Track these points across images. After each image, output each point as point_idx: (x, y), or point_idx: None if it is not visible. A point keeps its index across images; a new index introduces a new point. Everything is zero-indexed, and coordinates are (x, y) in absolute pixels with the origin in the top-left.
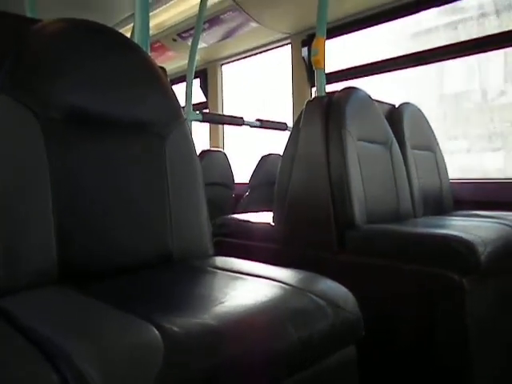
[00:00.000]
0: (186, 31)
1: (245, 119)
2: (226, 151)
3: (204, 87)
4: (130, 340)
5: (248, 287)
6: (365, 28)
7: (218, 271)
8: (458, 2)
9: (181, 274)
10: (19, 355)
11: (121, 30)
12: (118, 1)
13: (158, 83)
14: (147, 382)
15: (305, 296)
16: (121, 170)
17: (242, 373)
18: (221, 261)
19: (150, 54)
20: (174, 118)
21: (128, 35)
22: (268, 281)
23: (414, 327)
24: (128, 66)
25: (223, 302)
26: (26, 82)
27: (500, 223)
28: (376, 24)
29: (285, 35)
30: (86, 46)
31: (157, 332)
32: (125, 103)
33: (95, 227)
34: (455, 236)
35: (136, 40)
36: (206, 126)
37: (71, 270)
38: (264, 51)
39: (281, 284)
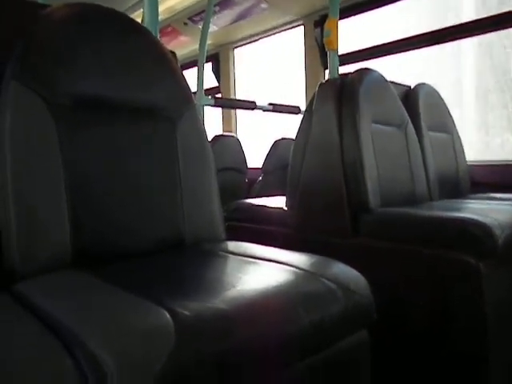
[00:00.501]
0: (197, 14)
1: (257, 103)
2: (238, 136)
3: (216, 71)
4: (142, 324)
5: (259, 271)
6: (379, 7)
7: (230, 255)
8: None
9: (193, 258)
10: (34, 339)
11: (132, 15)
12: None
13: (168, 68)
14: (158, 366)
15: (316, 280)
16: (132, 154)
17: (253, 357)
18: (233, 245)
19: (159, 38)
20: (184, 103)
21: (138, 20)
22: (280, 265)
23: (428, 312)
24: (138, 51)
25: (235, 286)
26: (37, 69)
27: None
28: (390, 2)
29: (297, 16)
30: (95, 31)
31: (168, 316)
32: (135, 88)
33: (107, 212)
34: (472, 219)
35: (146, 25)
36: (219, 110)
37: (84, 254)
38: (276, 33)
39: (292, 268)
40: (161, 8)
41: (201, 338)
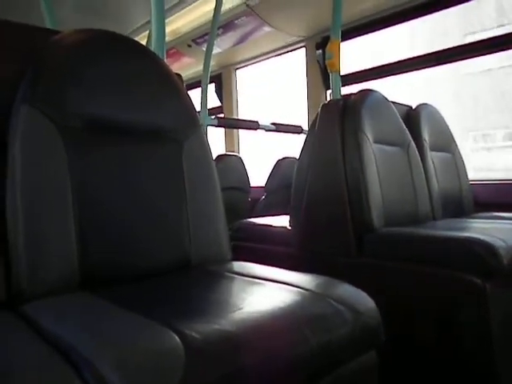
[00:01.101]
0: (201, 37)
1: (260, 123)
2: (241, 155)
3: (219, 92)
4: (151, 346)
5: (266, 292)
6: (380, 29)
7: (236, 276)
8: None
9: (199, 280)
10: (43, 361)
11: (136, 38)
12: (133, 9)
13: (175, 90)
14: None
15: (323, 301)
16: (139, 176)
17: (260, 379)
18: (238, 266)
19: (166, 60)
20: (190, 124)
21: (143, 42)
22: (286, 286)
23: (435, 332)
24: (145, 74)
25: (241, 308)
26: (47, 92)
27: None
28: (391, 25)
29: (299, 38)
30: (104, 56)
31: (177, 338)
32: (142, 110)
33: (115, 234)
34: (476, 239)
35: (152, 47)
36: (221, 130)
37: (92, 276)
38: (278, 55)
39: (299, 289)
40: (166, 30)
41: (210, 361)
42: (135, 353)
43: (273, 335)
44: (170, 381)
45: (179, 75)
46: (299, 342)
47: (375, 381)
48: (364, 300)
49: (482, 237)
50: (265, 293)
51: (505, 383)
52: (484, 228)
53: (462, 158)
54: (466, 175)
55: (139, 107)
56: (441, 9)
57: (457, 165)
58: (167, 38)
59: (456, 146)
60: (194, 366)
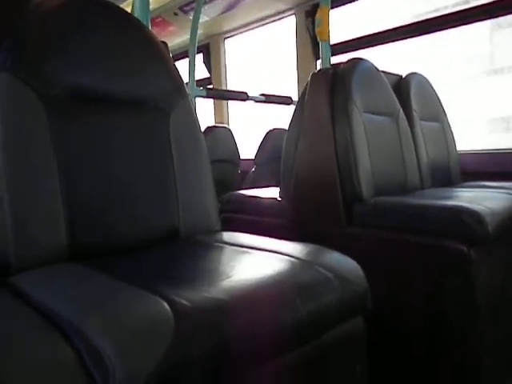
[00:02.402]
0: (188, 4)
1: (249, 94)
2: (230, 127)
3: (207, 62)
4: (141, 313)
5: (255, 261)
6: None
7: (225, 246)
8: None
9: (188, 250)
10: (33, 331)
11: (122, 5)
12: None
13: (160, 58)
14: (158, 354)
15: (312, 269)
16: (126, 147)
17: (249, 345)
18: (228, 236)
19: (151, 28)
20: (177, 94)
21: (128, 10)
22: (275, 254)
23: (422, 299)
24: (130, 42)
25: (231, 276)
26: (27, 60)
27: (508, 193)
28: None
29: (288, 6)
30: (86, 22)
31: (166, 305)
32: (127, 79)
33: (102, 206)
34: (462, 207)
35: (136, 15)
36: (210, 101)
37: (80, 248)
38: (267, 23)
39: (288, 257)
40: None
41: (199, 327)
42: (124, 319)
43: (262, 302)
44: (160, 347)
45: (165, 43)
46: (288, 309)
47: (363, 346)
48: (352, 267)
49: (468, 205)
50: (254, 261)
51: (488, 350)
52: (471, 197)
53: (450, 127)
54: (455, 145)
55: (124, 76)
56: None
57: (445, 134)
58: (152, 6)
59: (445, 115)
60: (184, 332)
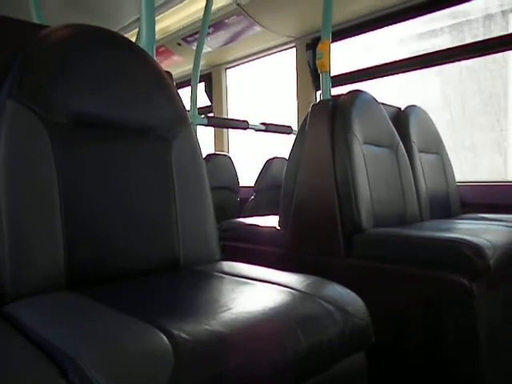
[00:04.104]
0: (191, 35)
1: (250, 123)
2: (230, 155)
3: (209, 91)
4: (138, 347)
5: (256, 293)
6: (370, 30)
7: (225, 276)
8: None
9: (188, 280)
10: (27, 361)
11: (126, 35)
12: (123, 5)
13: (164, 87)
14: None
15: (313, 302)
16: (127, 174)
17: (250, 379)
18: (227, 266)
19: (155, 58)
20: (180, 122)
21: (133, 39)
22: (276, 286)
23: (423, 332)
24: (134, 71)
25: (231, 308)
26: (33, 88)
27: (508, 226)
28: (382, 26)
29: (289, 39)
30: (92, 52)
31: (165, 338)
32: (131, 108)
33: (102, 234)
34: (463, 240)
35: (142, 45)
36: (211, 129)
37: (79, 277)
38: (268, 55)
39: (289, 289)
40: (155, 28)
41: (198, 361)
42: (121, 353)
43: (263, 336)
44: (157, 379)
45: (169, 73)
46: (290, 343)
47: (365, 382)
48: (354, 301)
49: (468, 238)
50: (254, 293)
51: (490, 382)
52: (471, 229)
53: (449, 159)
54: (454, 176)
55: (128, 104)
56: (432, 11)
57: (444, 166)
58: (156, 36)
59: (444, 147)
60: (183, 366)
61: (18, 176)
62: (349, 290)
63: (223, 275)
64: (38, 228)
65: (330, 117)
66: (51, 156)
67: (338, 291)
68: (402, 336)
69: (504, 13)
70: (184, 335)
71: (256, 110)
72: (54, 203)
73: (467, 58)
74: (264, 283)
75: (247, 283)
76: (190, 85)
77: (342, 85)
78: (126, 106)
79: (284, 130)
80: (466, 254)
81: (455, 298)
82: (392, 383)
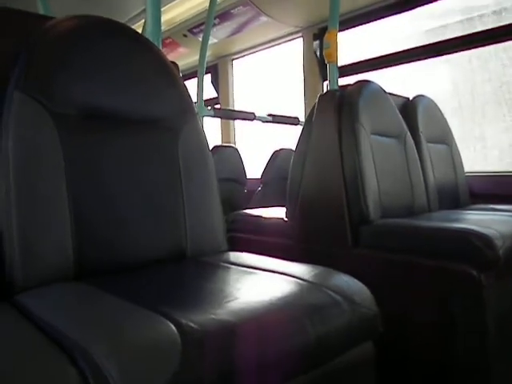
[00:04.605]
0: (197, 26)
1: (256, 114)
2: (237, 146)
3: (215, 82)
4: (147, 336)
5: (263, 282)
6: (378, 19)
7: (233, 266)
8: None
9: (194, 270)
10: (37, 350)
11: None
12: None
13: (171, 79)
14: (165, 378)
15: (321, 291)
16: (134, 166)
17: (257, 369)
18: (234, 256)
19: (162, 49)
20: (186, 113)
21: (139, 31)
22: (283, 276)
23: (431, 323)
24: (140, 62)
25: (238, 298)
26: (40, 80)
27: None
28: (389, 15)
29: (296, 29)
30: (98, 43)
31: (174, 327)
32: (137, 99)
33: (110, 224)
34: (472, 230)
35: (148, 36)
36: (218, 121)
37: (87, 267)
38: (275, 45)
39: (296, 279)
40: (161, 20)
41: (207, 350)
42: (131, 342)
43: (271, 325)
44: (166, 369)
45: (175, 64)
46: (297, 333)
47: (372, 372)
48: (361, 291)
49: (478, 228)
50: (262, 283)
51: (497, 374)
52: (480, 220)
53: (458, 149)
54: (462, 167)
55: (134, 95)
56: None
57: (453, 157)
58: (162, 28)
59: (452, 137)
60: (191, 355)
61: (27, 168)
62: (356, 280)
63: (230, 265)
64: (47, 219)
65: (337, 107)
66: (59, 147)
67: (346, 281)
68: (410, 326)
69: None
70: (192, 324)
71: (263, 101)
72: (62, 194)
73: (476, 47)
74: (271, 273)
75: (254, 273)
76: (196, 76)
77: (349, 75)
78: (133, 98)
79: (291, 121)
80: (475, 244)
81: (464, 289)
82: (400, 373)
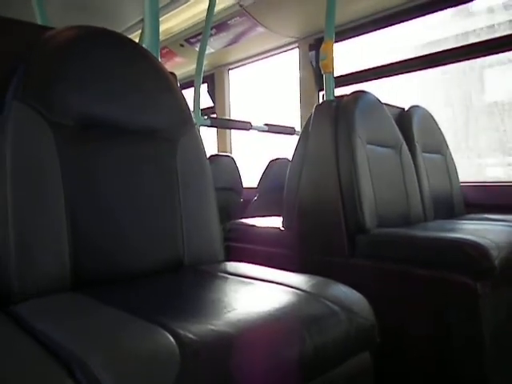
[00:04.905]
0: (194, 37)
1: (252, 124)
2: (233, 156)
3: (211, 92)
4: (145, 347)
5: (260, 293)
6: (374, 31)
7: (230, 277)
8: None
9: (192, 280)
10: (34, 361)
11: (130, 36)
12: (127, 7)
13: (169, 89)
14: None
15: (319, 302)
16: (132, 175)
17: (255, 380)
18: (231, 266)
19: (159, 59)
20: (184, 124)
21: (136, 41)
22: (280, 286)
23: (428, 332)
24: (139, 72)
25: (236, 309)
26: (39, 90)
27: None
28: (385, 26)
29: (292, 39)
30: (96, 53)
31: (172, 338)
32: (135, 109)
33: (107, 234)
34: (468, 240)
35: (145, 46)
36: (214, 130)
37: (84, 277)
38: (271, 56)
39: (293, 289)
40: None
41: (204, 361)
42: (129, 353)
43: (268, 336)
44: (164, 380)
45: (173, 74)
46: (295, 343)
47: (370, 382)
48: (358, 300)
49: (473, 238)
50: (259, 293)
51: (495, 382)
52: (475, 229)
53: (453, 159)
54: (457, 177)
55: (133, 106)
56: (435, 11)
57: (448, 167)
58: (159, 37)
59: (447, 147)
60: (189, 367)
61: (24, 176)
62: (353, 290)
63: (227, 275)
64: (44, 229)
65: (333, 117)
66: (56, 157)
67: (343, 291)
68: (407, 336)
69: None
70: (190, 335)
71: (259, 111)
72: (59, 204)
73: (471, 58)
74: (269, 283)
75: (251, 283)
76: (192, 86)
77: (345, 85)
78: (131, 108)
79: (287, 130)
80: (470, 254)
81: (460, 299)
82: (396, 382)
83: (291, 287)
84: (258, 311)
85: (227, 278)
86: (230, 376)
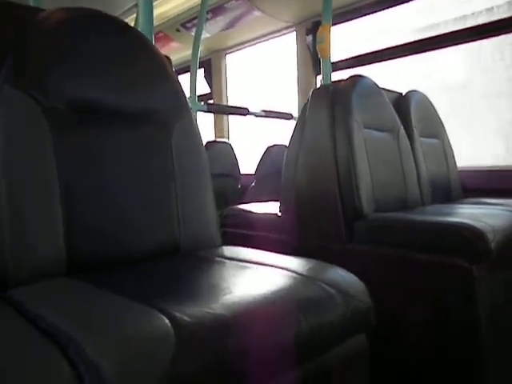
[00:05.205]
0: (190, 21)
1: (250, 109)
2: (231, 142)
3: (208, 77)
4: (141, 330)
5: (257, 276)
6: (371, 13)
7: (227, 261)
8: None
9: (188, 264)
10: (32, 346)
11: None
12: None
13: (163, 73)
14: (158, 372)
15: (315, 285)
16: (127, 159)
17: (252, 362)
18: (228, 250)
19: (154, 43)
20: (180, 107)
21: (132, 24)
22: (277, 269)
23: (424, 316)
24: (134, 56)
25: (232, 292)
26: (30, 73)
27: (509, 211)
28: (383, 9)
29: (289, 23)
30: (90, 36)
31: (168, 322)
32: (131, 92)
33: (103, 219)
34: (464, 224)
35: (140, 29)
36: (211, 116)
37: (79, 261)
38: (268, 40)
39: (290, 273)
40: (153, 14)
41: (202, 344)
42: (124, 335)
43: (264, 318)
44: (161, 365)
45: (168, 58)
46: (291, 326)
47: (366, 364)
48: (355, 284)
49: (470, 222)
50: (256, 276)
51: (490, 366)
52: (472, 213)
53: (450, 144)
54: (455, 161)
55: (127, 89)
56: None
57: (445, 151)
58: (155, 22)
59: (445, 132)
60: (185, 349)
61: (17, 161)
62: (350, 273)
63: (224, 260)
64: (38, 213)
65: (330, 102)
66: (50, 141)
67: (340, 274)
68: (404, 321)
69: None
70: (186, 318)
71: (256, 96)
72: (53, 188)
73: (468, 41)
74: (265, 267)
75: (248, 267)
76: (189, 71)
77: (343, 70)
78: (125, 91)
79: (284, 116)
80: (467, 237)
81: (456, 282)
82: (393, 366)
83: (288, 270)
84: (254, 294)
85: (224, 262)
86: (226, 357)
